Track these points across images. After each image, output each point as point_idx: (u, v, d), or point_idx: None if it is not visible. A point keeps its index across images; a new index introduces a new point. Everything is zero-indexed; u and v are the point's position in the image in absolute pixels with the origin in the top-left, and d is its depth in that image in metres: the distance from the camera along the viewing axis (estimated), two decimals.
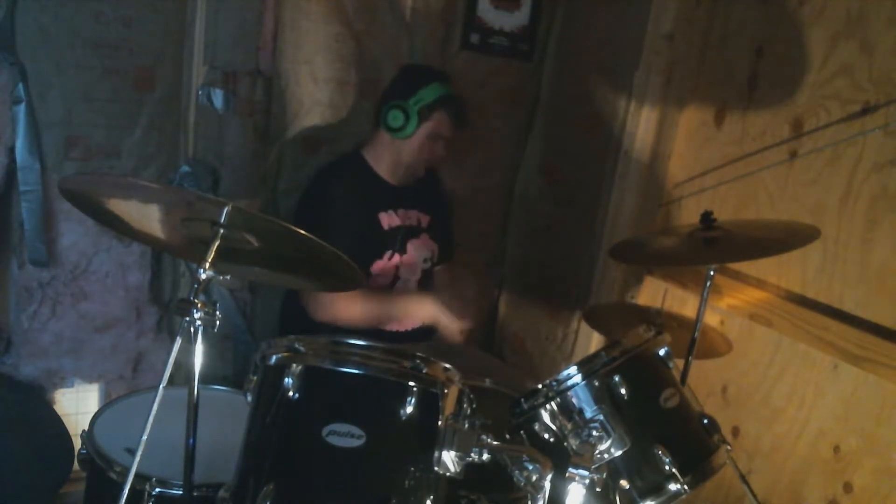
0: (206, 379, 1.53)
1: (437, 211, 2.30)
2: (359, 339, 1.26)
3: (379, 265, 2.13)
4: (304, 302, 2.05)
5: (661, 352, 1.44)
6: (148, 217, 1.39)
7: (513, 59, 2.62)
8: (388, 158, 2.15)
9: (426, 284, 2.27)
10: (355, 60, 2.36)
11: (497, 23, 2.57)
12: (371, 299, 2.07)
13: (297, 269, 1.49)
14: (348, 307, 2.01)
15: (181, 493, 1.33)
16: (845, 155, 1.80)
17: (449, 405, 1.23)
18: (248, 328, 2.41)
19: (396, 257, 2.16)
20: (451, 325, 2.10)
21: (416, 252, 2.20)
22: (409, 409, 1.19)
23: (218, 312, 1.24)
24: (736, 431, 2.05)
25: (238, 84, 2.24)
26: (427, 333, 2.25)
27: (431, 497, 1.18)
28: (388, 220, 2.16)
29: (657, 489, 1.33)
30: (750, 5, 2.07)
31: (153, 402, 1.21)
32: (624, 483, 1.33)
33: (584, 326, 2.48)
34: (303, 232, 1.25)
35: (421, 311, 2.11)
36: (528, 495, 1.15)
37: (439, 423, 1.20)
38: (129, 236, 2.00)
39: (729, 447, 1.45)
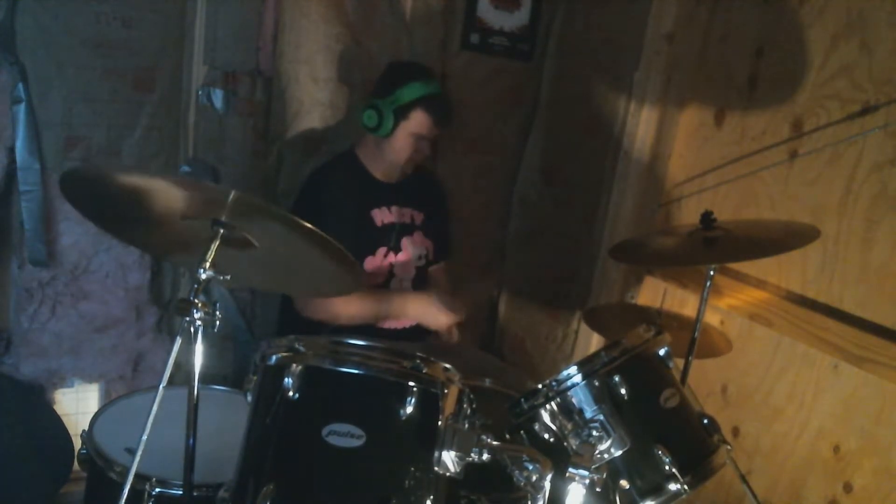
0: (206, 379, 1.53)
1: (431, 209, 2.29)
2: (358, 338, 1.26)
3: (372, 263, 2.13)
4: (300, 304, 2.05)
5: (661, 352, 1.44)
6: None
7: (513, 59, 2.62)
8: (376, 156, 2.15)
9: (421, 283, 2.27)
10: (355, 60, 2.36)
11: (497, 23, 2.57)
12: (367, 298, 2.07)
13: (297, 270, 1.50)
14: (346, 306, 2.01)
15: (181, 493, 1.33)
16: (845, 155, 1.80)
17: (449, 405, 1.23)
18: (248, 328, 2.41)
19: (391, 255, 2.16)
20: (444, 321, 2.09)
21: (411, 249, 2.21)
22: (409, 409, 1.19)
23: (218, 312, 1.24)
24: (736, 431, 2.05)
25: (238, 84, 2.25)
26: (423, 330, 2.25)
27: (431, 497, 1.18)
28: (381, 216, 2.16)
29: (657, 489, 1.33)
30: (750, 5, 2.07)
31: (153, 402, 1.21)
32: (624, 483, 1.33)
33: (584, 326, 2.48)
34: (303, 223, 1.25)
35: (416, 309, 2.11)
36: (528, 495, 1.15)
37: (439, 423, 1.20)
38: None
39: (729, 447, 1.45)
